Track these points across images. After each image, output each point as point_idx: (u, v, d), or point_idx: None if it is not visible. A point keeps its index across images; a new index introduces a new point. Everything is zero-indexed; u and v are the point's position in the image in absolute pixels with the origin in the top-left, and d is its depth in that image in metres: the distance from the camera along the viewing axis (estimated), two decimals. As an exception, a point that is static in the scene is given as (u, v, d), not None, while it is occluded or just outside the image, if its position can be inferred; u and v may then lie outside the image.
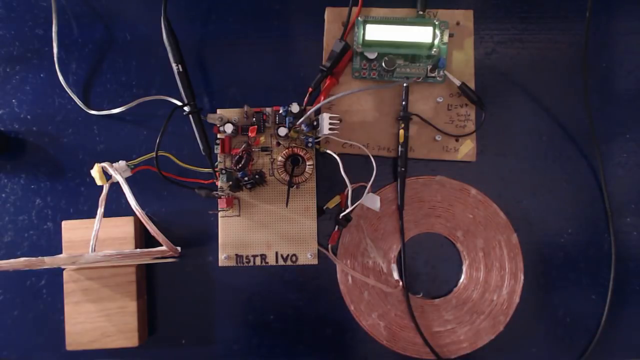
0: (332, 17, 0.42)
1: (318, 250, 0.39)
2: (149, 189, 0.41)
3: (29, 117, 0.42)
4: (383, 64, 0.40)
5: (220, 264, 0.40)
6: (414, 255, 0.41)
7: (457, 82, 0.40)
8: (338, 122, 0.38)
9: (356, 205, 0.38)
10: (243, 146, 0.38)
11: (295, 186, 0.39)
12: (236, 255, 0.40)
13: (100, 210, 0.37)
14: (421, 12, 0.41)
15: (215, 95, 0.42)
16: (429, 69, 0.40)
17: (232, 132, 0.39)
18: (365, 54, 0.40)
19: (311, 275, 0.41)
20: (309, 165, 0.39)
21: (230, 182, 0.38)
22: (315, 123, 0.39)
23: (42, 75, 0.43)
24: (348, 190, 0.38)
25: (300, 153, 0.39)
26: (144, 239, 0.41)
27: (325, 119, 0.37)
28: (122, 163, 0.37)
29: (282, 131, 0.38)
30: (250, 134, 0.39)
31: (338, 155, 0.38)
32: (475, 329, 0.40)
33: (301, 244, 0.39)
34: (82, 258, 0.34)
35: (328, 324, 0.41)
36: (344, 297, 0.40)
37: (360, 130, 0.41)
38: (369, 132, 0.41)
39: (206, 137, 0.39)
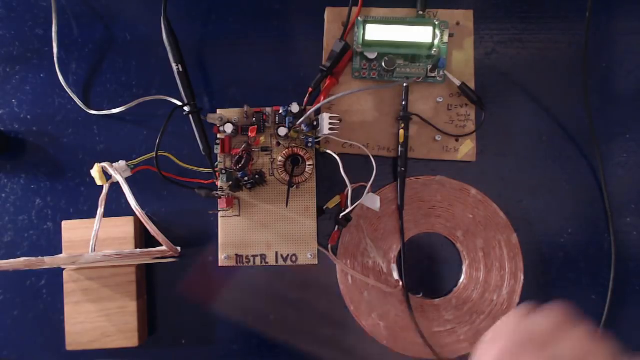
0: (332, 17, 0.42)
1: (318, 250, 0.39)
2: (149, 189, 0.41)
3: (29, 117, 0.42)
4: (383, 64, 0.40)
5: (220, 264, 0.40)
6: (414, 255, 0.41)
7: (457, 82, 0.40)
8: (338, 122, 0.38)
9: (356, 205, 0.38)
10: (243, 146, 0.38)
11: (295, 186, 0.39)
12: (236, 255, 0.40)
13: (100, 210, 0.37)
14: (421, 12, 0.41)
15: (215, 95, 0.42)
16: (429, 69, 0.40)
17: (232, 132, 0.39)
18: (365, 54, 0.40)
19: (311, 275, 0.41)
20: (309, 165, 0.39)
21: (230, 182, 0.38)
22: (315, 123, 0.39)
23: (42, 75, 0.43)
24: (348, 190, 0.38)
25: (300, 153, 0.39)
26: (144, 239, 0.41)
27: (325, 119, 0.37)
28: (122, 163, 0.37)
29: (282, 131, 0.38)
30: (250, 134, 0.39)
31: (338, 155, 0.38)
32: (475, 329, 0.40)
33: (301, 244, 0.39)
34: (82, 258, 0.34)
35: (328, 324, 0.41)
36: (344, 297, 0.40)
37: (360, 130, 0.41)
38: (369, 132, 0.41)
39: (206, 137, 0.39)
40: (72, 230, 0.40)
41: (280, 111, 0.39)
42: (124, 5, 0.43)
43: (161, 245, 0.35)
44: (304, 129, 0.38)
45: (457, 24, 0.41)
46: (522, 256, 0.40)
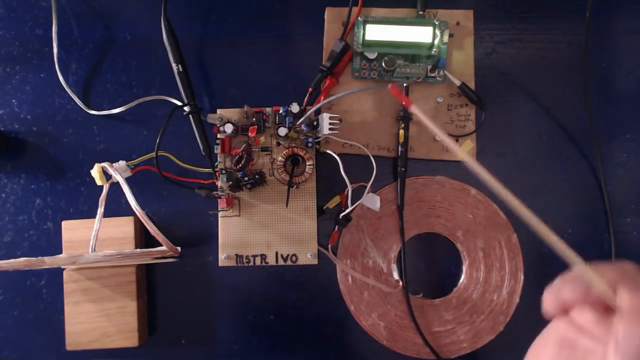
0: (332, 17, 0.42)
1: (318, 250, 0.39)
2: (149, 189, 0.41)
3: (29, 117, 0.42)
4: (383, 64, 0.40)
5: (220, 264, 0.40)
6: (414, 255, 0.41)
7: (457, 82, 0.40)
8: (338, 122, 0.38)
9: (356, 205, 0.38)
10: (243, 146, 0.38)
11: (295, 186, 0.39)
12: (236, 255, 0.40)
13: (100, 210, 0.37)
14: (421, 12, 0.40)
15: (215, 95, 0.42)
16: (429, 69, 0.40)
17: (232, 132, 0.39)
18: (365, 54, 0.40)
19: (311, 275, 0.41)
20: (309, 165, 0.39)
21: (230, 182, 0.38)
22: (315, 123, 0.39)
23: (42, 75, 0.43)
24: (348, 190, 0.38)
25: (300, 153, 0.39)
26: (144, 239, 0.41)
27: (325, 119, 0.37)
28: (122, 163, 0.37)
29: (282, 131, 0.38)
30: (250, 134, 0.39)
31: (338, 155, 0.38)
32: (475, 329, 0.40)
33: (301, 244, 0.39)
34: (82, 258, 0.34)
35: (328, 324, 0.41)
36: (344, 297, 0.40)
37: (360, 130, 0.41)
38: (369, 132, 0.41)
39: (206, 137, 0.39)
40: (72, 230, 0.40)
41: (280, 111, 0.39)
42: (124, 5, 0.43)
43: (161, 245, 0.35)
44: (304, 129, 0.38)
45: (457, 24, 0.41)
46: (522, 256, 0.40)
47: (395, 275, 0.40)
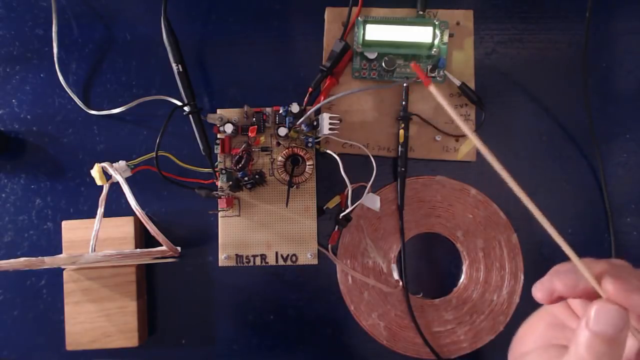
0: (332, 17, 0.42)
1: (318, 250, 0.39)
2: (149, 189, 0.41)
3: (29, 117, 0.42)
4: (383, 64, 0.40)
5: (220, 264, 0.40)
6: (414, 255, 0.41)
7: (457, 82, 0.40)
8: (338, 122, 0.38)
9: (356, 205, 0.38)
10: (243, 146, 0.38)
11: (295, 186, 0.39)
12: (236, 255, 0.40)
13: (100, 210, 0.37)
14: (421, 12, 0.40)
15: (215, 95, 0.42)
16: (429, 69, 0.40)
17: (232, 132, 0.39)
18: (365, 54, 0.40)
19: (311, 275, 0.41)
20: (309, 165, 0.39)
21: (230, 182, 0.38)
22: (315, 123, 0.39)
23: (42, 75, 0.43)
24: (348, 190, 0.38)
25: (300, 153, 0.39)
26: (144, 239, 0.41)
27: (325, 119, 0.37)
28: (122, 163, 0.37)
29: (282, 131, 0.38)
30: (250, 134, 0.39)
31: (338, 155, 0.38)
32: (475, 329, 0.40)
33: (301, 244, 0.39)
34: (82, 258, 0.34)
35: (328, 324, 0.41)
36: (344, 297, 0.40)
37: (360, 130, 0.41)
38: (369, 132, 0.41)
39: (206, 137, 0.39)
40: (72, 230, 0.40)
41: (280, 111, 0.39)
42: (124, 5, 0.43)
43: (161, 245, 0.35)
44: (304, 129, 0.38)
45: (457, 24, 0.41)
46: (522, 256, 0.40)
47: (395, 275, 0.40)
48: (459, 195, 0.41)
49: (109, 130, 0.42)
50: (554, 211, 0.41)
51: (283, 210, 0.40)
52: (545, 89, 0.42)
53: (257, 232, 0.40)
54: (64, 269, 0.39)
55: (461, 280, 0.41)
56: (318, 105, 0.38)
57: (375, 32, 0.39)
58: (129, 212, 0.37)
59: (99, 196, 0.37)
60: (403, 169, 0.40)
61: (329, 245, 0.40)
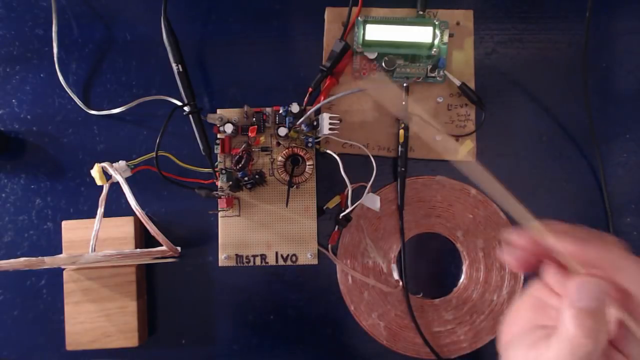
0: (332, 17, 0.42)
1: (318, 250, 0.39)
2: (149, 189, 0.41)
3: (29, 117, 0.42)
4: (383, 64, 0.40)
5: (220, 264, 0.40)
6: (414, 255, 0.41)
7: (457, 82, 0.40)
8: (338, 122, 0.38)
9: (356, 205, 0.38)
10: (243, 146, 0.38)
11: (295, 186, 0.39)
12: (236, 255, 0.40)
13: (100, 210, 0.37)
14: (421, 12, 0.41)
15: (215, 95, 0.42)
16: (429, 69, 0.40)
17: (232, 132, 0.39)
18: (365, 54, 0.40)
19: (311, 275, 0.41)
20: (309, 165, 0.39)
21: (230, 182, 0.38)
22: (315, 123, 0.39)
23: (42, 75, 0.43)
24: (348, 190, 0.38)
25: (300, 153, 0.39)
26: (144, 239, 0.41)
27: (325, 119, 0.37)
28: (122, 163, 0.37)
29: (282, 131, 0.38)
30: (250, 134, 0.39)
31: (338, 155, 0.38)
32: (475, 329, 0.40)
33: (301, 244, 0.39)
34: (82, 258, 0.34)
35: (328, 324, 0.41)
36: (344, 297, 0.40)
37: (360, 130, 0.41)
38: (369, 132, 0.41)
39: (206, 137, 0.39)
40: (72, 230, 0.40)
41: (280, 111, 0.39)
42: (124, 5, 0.43)
43: (161, 245, 0.35)
44: (304, 129, 0.38)
45: (457, 24, 0.41)
46: (522, 256, 0.40)
47: (395, 275, 0.40)
48: (459, 195, 0.41)
49: (109, 130, 0.42)
50: (554, 211, 0.41)
51: (283, 210, 0.40)
52: (545, 89, 0.42)
53: (257, 232, 0.40)
54: (64, 269, 0.39)
55: (461, 280, 0.41)
56: (318, 105, 0.38)
57: (375, 32, 0.39)
58: (129, 212, 0.37)
59: (99, 196, 0.37)
60: (403, 169, 0.40)
61: (329, 245, 0.40)
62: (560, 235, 0.22)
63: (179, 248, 0.38)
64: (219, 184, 0.39)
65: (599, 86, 0.42)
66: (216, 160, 0.40)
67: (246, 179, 0.38)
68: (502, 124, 0.42)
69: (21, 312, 0.41)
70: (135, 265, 0.39)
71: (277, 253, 0.39)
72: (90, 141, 0.42)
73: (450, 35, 0.40)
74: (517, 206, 0.23)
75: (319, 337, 0.41)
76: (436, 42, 0.39)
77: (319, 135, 0.39)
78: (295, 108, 0.38)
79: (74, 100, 0.42)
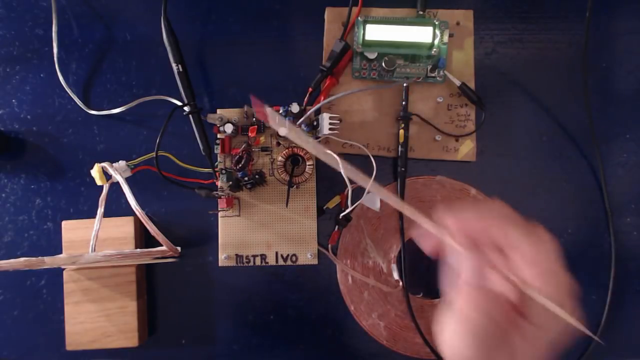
0: (332, 17, 0.42)
1: (318, 250, 0.39)
2: (149, 189, 0.41)
3: (29, 117, 0.42)
4: (383, 64, 0.40)
5: (220, 264, 0.40)
6: (414, 255, 0.41)
7: (457, 82, 0.40)
8: (338, 122, 0.38)
9: (356, 205, 0.38)
10: (243, 146, 0.38)
11: (295, 186, 0.39)
12: (236, 255, 0.40)
13: (100, 210, 0.37)
14: (421, 12, 0.41)
15: (215, 95, 0.42)
16: (429, 69, 0.40)
17: (232, 132, 0.39)
18: (365, 54, 0.40)
19: (311, 275, 0.41)
20: (309, 165, 0.39)
21: (230, 182, 0.38)
22: (315, 123, 0.39)
23: (42, 75, 0.43)
24: (348, 190, 0.38)
25: (300, 153, 0.39)
26: (144, 239, 0.41)
27: (325, 119, 0.37)
28: (122, 163, 0.37)
29: (282, 131, 0.38)
30: (250, 134, 0.39)
31: (338, 155, 0.37)
32: (475, 329, 0.40)
33: (301, 244, 0.39)
34: (82, 258, 0.34)
35: (328, 324, 0.41)
36: (344, 297, 0.40)
37: (360, 130, 0.41)
38: (369, 132, 0.41)
39: (206, 137, 0.39)
40: (72, 230, 0.40)
41: (280, 111, 0.39)
42: (124, 5, 0.43)
43: (161, 245, 0.35)
44: (304, 129, 0.38)
45: (457, 24, 0.41)
46: (522, 256, 0.40)
47: (395, 275, 0.40)
48: (459, 195, 0.41)
49: (109, 130, 0.42)
50: (554, 211, 0.41)
51: (283, 210, 0.40)
52: (545, 89, 0.42)
53: (257, 232, 0.40)
54: (64, 269, 0.39)
55: (461, 280, 0.41)
56: (318, 105, 0.38)
57: (375, 32, 0.39)
58: (129, 212, 0.37)
59: (99, 196, 0.37)
60: (403, 169, 0.40)
61: (329, 245, 0.40)
62: (448, 213, 0.23)
63: (179, 248, 0.38)
64: (219, 184, 0.39)
65: (599, 86, 0.42)
66: (216, 160, 0.40)
67: (246, 179, 0.38)
68: (502, 124, 0.42)
69: (21, 312, 0.41)
70: (135, 265, 0.39)
71: (277, 253, 0.39)
72: (90, 141, 0.42)
73: (450, 35, 0.40)
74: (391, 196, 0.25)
75: (319, 337, 0.41)
76: (436, 42, 0.39)
77: (319, 135, 0.39)
78: (295, 108, 0.38)
79: (74, 100, 0.42)
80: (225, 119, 0.40)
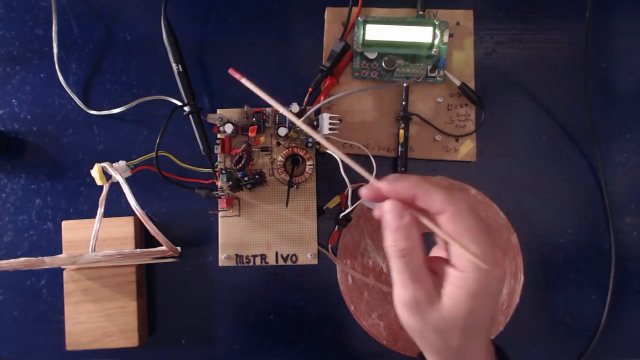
0: (332, 17, 0.42)
1: (318, 250, 0.39)
2: (149, 189, 0.41)
3: (29, 117, 0.42)
4: (383, 64, 0.40)
5: (220, 264, 0.40)
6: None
7: (457, 82, 0.40)
8: (338, 122, 0.38)
9: (356, 205, 0.38)
10: (243, 146, 0.38)
11: (295, 186, 0.39)
12: (236, 255, 0.40)
13: (100, 210, 0.37)
14: (421, 12, 0.41)
15: (215, 95, 0.42)
16: (429, 69, 0.40)
17: (232, 132, 0.39)
18: (365, 54, 0.40)
19: (311, 275, 0.41)
20: (309, 165, 0.39)
21: (230, 182, 0.38)
22: (315, 123, 0.39)
23: (42, 75, 0.43)
24: (348, 190, 0.38)
25: (300, 153, 0.39)
26: (144, 239, 0.41)
27: (325, 119, 0.37)
28: (122, 163, 0.37)
29: (282, 131, 0.38)
30: (250, 134, 0.39)
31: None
32: (475, 329, 0.40)
33: (301, 244, 0.39)
34: (82, 258, 0.34)
35: (328, 324, 0.41)
36: (344, 297, 0.40)
37: (360, 130, 0.41)
38: (369, 132, 0.41)
39: (206, 137, 0.39)
40: (72, 230, 0.40)
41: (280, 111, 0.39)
42: (124, 5, 0.43)
43: (161, 245, 0.35)
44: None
45: (457, 24, 0.41)
46: (522, 256, 0.40)
47: (395, 275, 0.40)
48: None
49: (109, 130, 0.42)
50: (554, 211, 0.41)
51: (283, 210, 0.40)
52: (545, 89, 0.42)
53: (257, 232, 0.40)
54: (64, 269, 0.39)
55: (461, 280, 0.41)
56: (318, 105, 0.38)
57: (375, 32, 0.39)
58: (129, 212, 0.37)
59: (99, 196, 0.37)
60: (403, 169, 0.40)
61: (329, 245, 0.40)
62: (384, 181, 0.27)
63: (179, 248, 0.38)
64: (219, 184, 0.39)
65: (599, 86, 0.42)
66: (216, 160, 0.40)
67: (246, 179, 0.38)
68: (502, 124, 0.42)
69: (21, 312, 0.41)
70: (135, 265, 0.39)
71: (277, 253, 0.39)
72: (90, 141, 0.42)
73: (450, 35, 0.40)
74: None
75: (319, 337, 0.41)
76: (436, 42, 0.39)
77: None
78: (295, 108, 0.38)
79: (74, 100, 0.42)
80: (225, 119, 0.40)
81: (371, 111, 0.41)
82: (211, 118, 0.39)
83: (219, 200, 0.39)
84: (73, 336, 0.39)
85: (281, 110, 0.29)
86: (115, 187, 0.36)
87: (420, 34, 0.39)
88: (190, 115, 0.39)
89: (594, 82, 0.42)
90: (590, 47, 0.42)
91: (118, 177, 0.35)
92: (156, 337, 0.41)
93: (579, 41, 0.42)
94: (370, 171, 0.38)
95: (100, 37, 0.43)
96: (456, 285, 0.24)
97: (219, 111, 0.40)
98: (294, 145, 0.39)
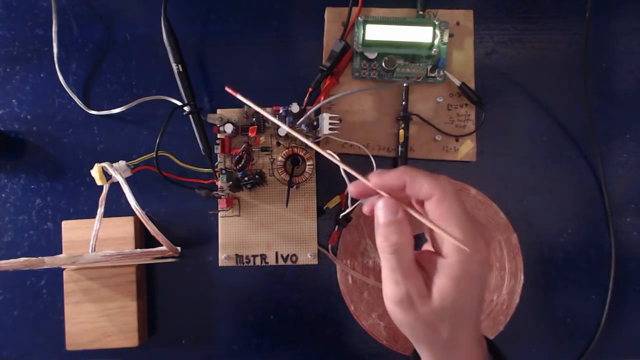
0: (332, 17, 0.42)
1: (318, 250, 0.39)
2: (149, 189, 0.41)
3: (29, 117, 0.42)
4: (383, 64, 0.40)
5: (220, 264, 0.40)
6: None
7: (457, 82, 0.40)
8: (338, 122, 0.38)
9: (356, 205, 0.38)
10: (243, 146, 0.38)
11: (295, 186, 0.39)
12: (236, 255, 0.40)
13: (100, 210, 0.37)
14: (421, 12, 0.41)
15: (215, 95, 0.42)
16: (429, 69, 0.40)
17: (232, 132, 0.39)
18: (365, 54, 0.40)
19: (311, 276, 0.41)
20: (309, 165, 0.39)
21: (230, 182, 0.38)
22: (315, 123, 0.39)
23: (42, 75, 0.43)
24: (348, 191, 0.38)
25: (300, 153, 0.39)
26: (144, 239, 0.41)
27: (325, 119, 0.37)
28: (122, 163, 0.37)
29: (282, 131, 0.38)
30: (250, 134, 0.39)
31: (338, 155, 0.37)
32: (475, 329, 0.40)
33: (301, 244, 0.39)
34: (82, 258, 0.34)
35: (328, 324, 0.41)
36: (344, 297, 0.40)
37: (360, 130, 0.41)
38: (369, 132, 0.41)
39: (206, 137, 0.39)
40: (72, 230, 0.40)
41: (280, 111, 0.39)
42: (124, 5, 0.43)
43: (161, 245, 0.35)
44: (304, 129, 0.38)
45: (457, 24, 0.41)
46: (522, 256, 0.40)
47: (395, 275, 0.40)
48: (459, 195, 0.41)
49: (109, 130, 0.42)
50: (554, 211, 0.41)
51: (283, 210, 0.40)
52: (545, 89, 0.42)
53: (257, 232, 0.40)
54: (64, 269, 0.39)
55: (461, 280, 0.41)
56: (318, 105, 0.38)
57: (375, 32, 0.39)
58: (129, 212, 0.37)
59: (99, 196, 0.37)
60: (403, 169, 0.40)
61: (329, 245, 0.40)
62: (373, 175, 0.27)
63: (179, 248, 0.38)
64: (219, 184, 0.39)
65: (599, 86, 0.42)
66: (216, 160, 0.40)
67: (246, 179, 0.38)
68: (502, 124, 0.42)
69: (21, 312, 0.41)
70: (135, 265, 0.39)
71: (277, 253, 0.39)
72: (90, 141, 0.42)
73: (450, 35, 0.40)
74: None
75: (319, 337, 0.41)
76: (436, 42, 0.39)
77: (319, 135, 0.39)
78: (295, 108, 0.38)
79: (74, 100, 0.42)
80: (225, 119, 0.40)
81: (371, 111, 0.41)
82: (211, 118, 0.39)
83: (219, 200, 0.39)
84: (73, 336, 0.39)
85: (275, 121, 0.30)
86: (115, 187, 0.36)
87: (420, 34, 0.39)
88: (190, 115, 0.39)
89: (594, 82, 0.42)
90: (590, 47, 0.42)
91: (118, 177, 0.35)
92: (156, 337, 0.41)
93: (579, 41, 0.42)
94: (370, 171, 0.38)
95: (100, 37, 0.43)
96: (442, 273, 0.25)
97: (219, 111, 0.40)
98: (294, 145, 0.39)
